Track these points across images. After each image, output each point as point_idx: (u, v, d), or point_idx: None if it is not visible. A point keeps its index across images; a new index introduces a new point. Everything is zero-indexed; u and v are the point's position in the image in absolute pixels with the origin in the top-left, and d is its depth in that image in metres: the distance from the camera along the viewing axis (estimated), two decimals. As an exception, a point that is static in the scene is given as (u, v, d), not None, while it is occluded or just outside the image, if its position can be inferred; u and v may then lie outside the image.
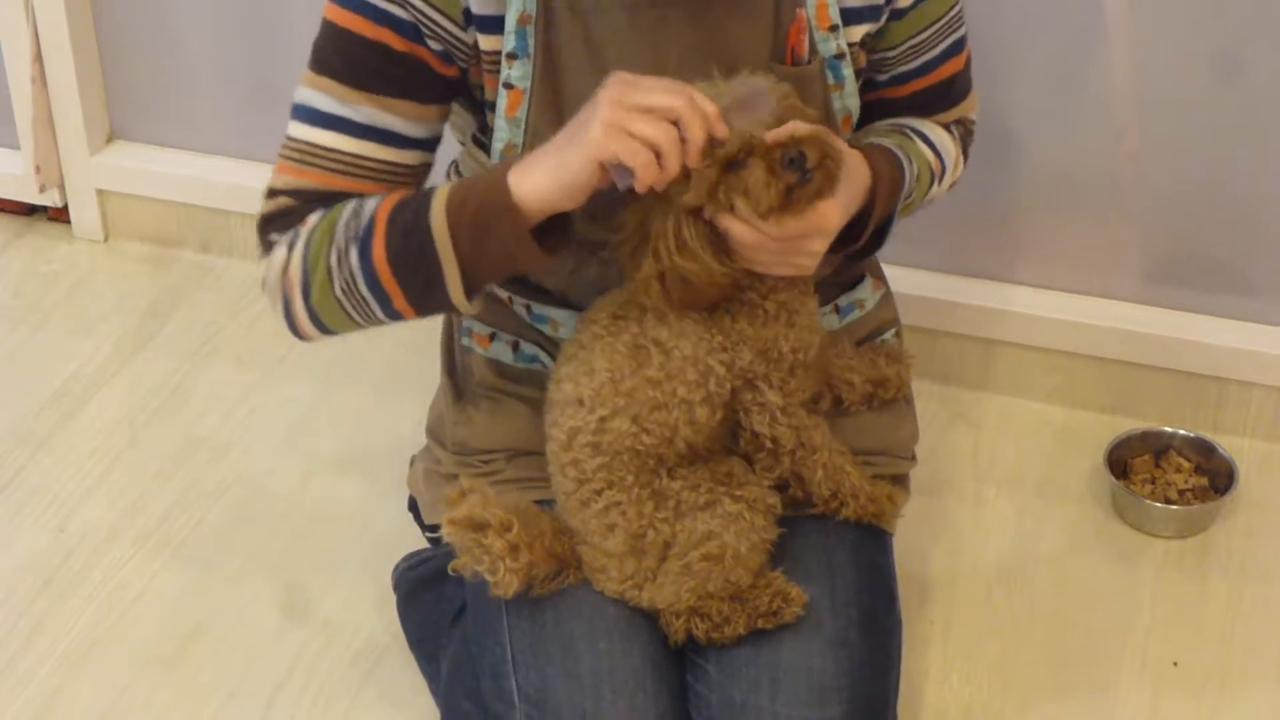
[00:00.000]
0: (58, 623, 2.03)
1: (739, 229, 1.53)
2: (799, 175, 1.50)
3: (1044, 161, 2.21)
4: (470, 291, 1.55)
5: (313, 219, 1.61)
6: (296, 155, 1.63)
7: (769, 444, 1.65)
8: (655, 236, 1.55)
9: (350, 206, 1.59)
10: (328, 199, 1.62)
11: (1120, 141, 2.19)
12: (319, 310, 1.61)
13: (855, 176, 1.59)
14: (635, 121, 1.46)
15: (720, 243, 1.55)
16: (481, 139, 1.70)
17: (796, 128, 1.51)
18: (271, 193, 1.65)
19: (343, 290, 1.58)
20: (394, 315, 1.60)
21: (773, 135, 1.50)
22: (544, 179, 1.50)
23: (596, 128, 1.46)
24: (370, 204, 1.58)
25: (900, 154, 1.68)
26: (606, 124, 1.46)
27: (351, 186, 1.63)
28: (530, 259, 1.53)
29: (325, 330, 1.64)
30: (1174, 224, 2.24)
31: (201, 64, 2.51)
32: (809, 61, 1.64)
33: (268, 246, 1.64)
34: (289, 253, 1.61)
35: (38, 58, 2.51)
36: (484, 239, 1.52)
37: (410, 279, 1.56)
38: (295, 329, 1.65)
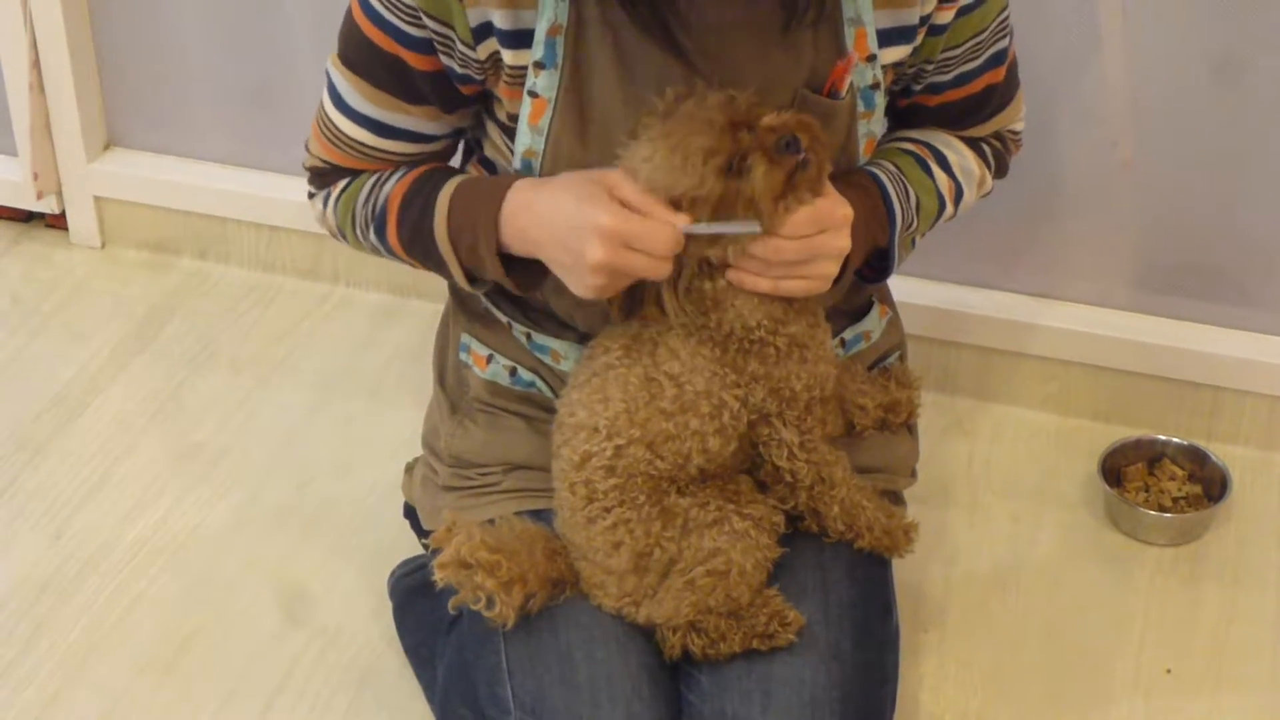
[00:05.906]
0: (55, 627, 2.03)
1: (756, 247, 1.54)
2: (797, 158, 1.51)
3: (1038, 171, 2.21)
4: (480, 283, 1.66)
5: (341, 183, 1.72)
6: (327, 133, 1.70)
7: (788, 477, 1.65)
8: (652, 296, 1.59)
9: (369, 185, 1.70)
10: (354, 174, 1.72)
11: (1114, 151, 2.19)
12: (361, 252, 1.75)
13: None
14: (625, 261, 1.51)
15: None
16: (486, 159, 1.71)
17: (786, 115, 1.52)
18: (308, 152, 1.74)
19: (373, 250, 1.72)
20: (430, 270, 1.70)
21: (767, 120, 1.51)
22: (539, 255, 1.58)
23: (590, 277, 1.52)
24: (386, 188, 1.67)
25: (893, 187, 1.67)
26: (598, 269, 1.52)
27: (376, 168, 1.71)
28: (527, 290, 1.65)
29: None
30: (1168, 233, 2.24)
31: (199, 71, 2.51)
32: (844, 95, 1.62)
33: (310, 195, 1.76)
34: (324, 208, 1.75)
35: (35, 64, 2.51)
36: (481, 270, 1.63)
37: (425, 261, 1.68)
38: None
